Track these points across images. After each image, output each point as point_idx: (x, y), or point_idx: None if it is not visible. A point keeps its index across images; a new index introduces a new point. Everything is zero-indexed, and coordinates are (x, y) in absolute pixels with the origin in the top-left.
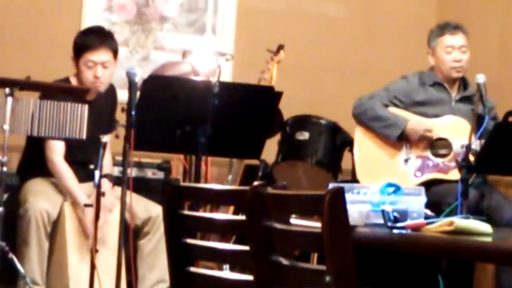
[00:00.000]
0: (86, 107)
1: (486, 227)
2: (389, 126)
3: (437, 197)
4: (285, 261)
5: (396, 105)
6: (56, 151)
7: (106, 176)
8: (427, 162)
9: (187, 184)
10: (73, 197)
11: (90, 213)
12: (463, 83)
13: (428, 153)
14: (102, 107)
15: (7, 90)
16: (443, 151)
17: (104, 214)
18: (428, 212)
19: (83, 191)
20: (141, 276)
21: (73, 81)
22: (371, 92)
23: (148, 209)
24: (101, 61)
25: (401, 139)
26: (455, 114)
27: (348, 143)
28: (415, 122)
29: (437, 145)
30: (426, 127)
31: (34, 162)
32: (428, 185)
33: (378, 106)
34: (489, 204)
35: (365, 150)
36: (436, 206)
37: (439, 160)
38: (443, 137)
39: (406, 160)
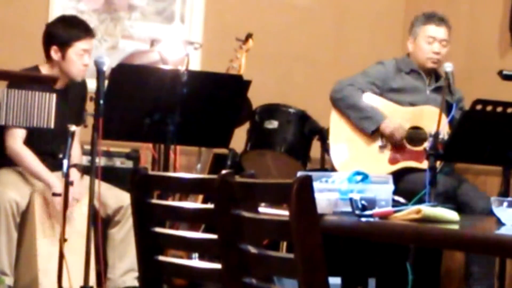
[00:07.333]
0: (54, 96)
1: (453, 215)
2: (365, 118)
3: (411, 186)
4: (253, 250)
5: (373, 91)
6: (16, 137)
7: (75, 166)
8: (402, 150)
9: (155, 172)
10: (41, 180)
11: (59, 201)
12: (435, 74)
13: (403, 141)
14: (73, 98)
15: None
16: (418, 140)
17: (71, 204)
18: (401, 199)
19: None
20: (111, 265)
21: (43, 70)
22: (350, 77)
23: (119, 198)
24: (90, 48)
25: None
26: (430, 103)
27: (317, 131)
28: (390, 120)
29: (413, 134)
30: (400, 126)
31: (1, 151)
32: (402, 173)
33: (357, 95)
34: (461, 192)
35: (340, 134)
36: (410, 194)
37: (414, 149)
38: (419, 126)
39: (381, 147)
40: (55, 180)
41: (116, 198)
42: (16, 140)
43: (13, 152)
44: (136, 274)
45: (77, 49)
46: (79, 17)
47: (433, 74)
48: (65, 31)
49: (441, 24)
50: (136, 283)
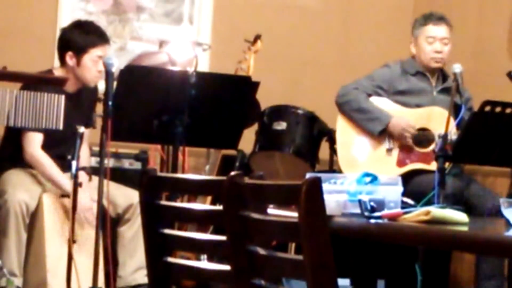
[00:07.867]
0: (62, 97)
1: (462, 217)
2: (372, 120)
3: (420, 188)
4: (262, 251)
5: (379, 94)
6: (35, 143)
7: (83, 169)
8: (410, 152)
9: (164, 174)
10: (58, 186)
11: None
12: (442, 74)
13: (411, 143)
14: (85, 101)
15: None
16: (425, 142)
17: (88, 197)
18: (410, 201)
19: None
20: (122, 263)
21: (56, 74)
22: (355, 81)
23: (128, 197)
24: (104, 55)
25: (383, 133)
26: (437, 104)
27: (326, 133)
28: (398, 118)
29: (420, 136)
30: (408, 123)
31: (12, 152)
32: (411, 175)
33: (362, 97)
34: (470, 194)
35: (347, 138)
36: (419, 196)
37: (421, 150)
38: (426, 128)
39: (388, 150)
40: (68, 183)
41: (125, 196)
42: (35, 145)
43: (32, 158)
44: (146, 271)
45: (92, 55)
46: (95, 23)
47: (440, 75)
48: (81, 37)
49: (440, 22)
50: (146, 281)
